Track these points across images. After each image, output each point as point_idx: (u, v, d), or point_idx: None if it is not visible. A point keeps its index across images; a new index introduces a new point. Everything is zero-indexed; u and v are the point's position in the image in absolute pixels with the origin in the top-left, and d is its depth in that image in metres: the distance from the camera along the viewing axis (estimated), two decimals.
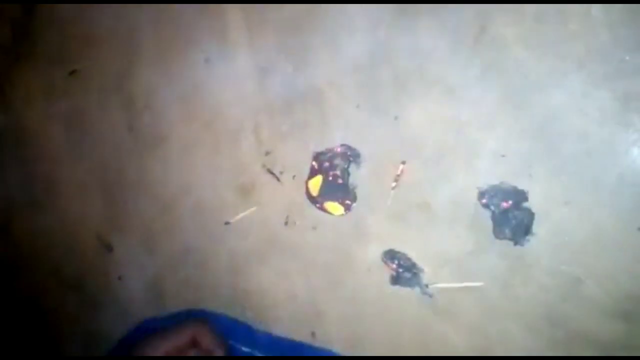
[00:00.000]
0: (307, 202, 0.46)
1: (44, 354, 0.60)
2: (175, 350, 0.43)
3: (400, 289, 0.43)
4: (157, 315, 0.53)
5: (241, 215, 0.46)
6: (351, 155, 0.44)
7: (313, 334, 0.47)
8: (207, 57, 0.50)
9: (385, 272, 0.44)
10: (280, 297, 0.48)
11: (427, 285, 0.42)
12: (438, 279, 0.42)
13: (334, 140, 0.45)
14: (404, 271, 0.43)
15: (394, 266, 0.43)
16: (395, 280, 0.43)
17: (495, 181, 0.40)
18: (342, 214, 0.44)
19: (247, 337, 0.48)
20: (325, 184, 0.45)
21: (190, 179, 0.51)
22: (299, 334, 0.47)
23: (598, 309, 0.38)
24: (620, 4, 0.36)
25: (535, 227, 0.39)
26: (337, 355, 0.45)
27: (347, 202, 0.44)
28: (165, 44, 0.52)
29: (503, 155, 0.40)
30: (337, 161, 0.44)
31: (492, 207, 0.40)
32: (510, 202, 0.40)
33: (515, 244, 0.39)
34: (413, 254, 0.43)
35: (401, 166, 0.43)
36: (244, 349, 0.48)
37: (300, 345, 0.47)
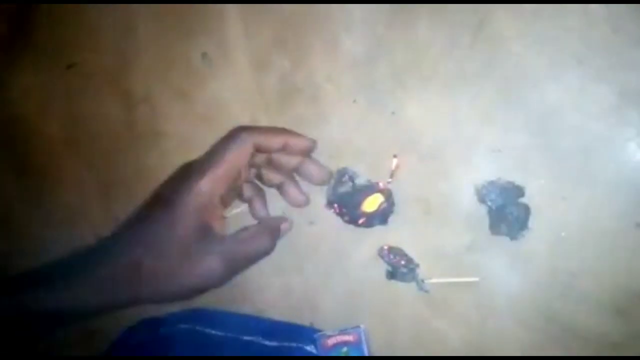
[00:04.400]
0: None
1: (40, 353, 0.59)
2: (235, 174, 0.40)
3: (396, 285, 0.43)
4: (155, 314, 0.52)
5: (237, 209, 0.46)
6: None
7: None
8: (205, 52, 0.50)
9: (381, 268, 0.44)
10: (276, 292, 0.48)
11: (423, 281, 0.42)
12: (434, 275, 0.42)
13: (332, 136, 0.45)
14: (400, 266, 0.42)
15: (396, 261, 0.42)
16: (391, 275, 0.43)
17: (492, 176, 0.40)
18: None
19: (246, 326, 0.48)
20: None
21: None
22: None
23: (594, 305, 0.38)
24: (623, 3, 0.36)
25: (531, 223, 0.39)
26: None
27: None
28: (163, 38, 0.51)
29: (500, 151, 0.40)
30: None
31: (489, 203, 0.40)
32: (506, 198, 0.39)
33: (512, 239, 0.39)
34: (410, 249, 0.43)
35: (394, 160, 0.42)
36: (245, 337, 0.47)
37: (300, 329, 0.47)
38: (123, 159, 0.54)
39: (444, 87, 0.41)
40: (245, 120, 0.48)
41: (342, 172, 0.44)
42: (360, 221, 0.43)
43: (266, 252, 0.42)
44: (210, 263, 0.39)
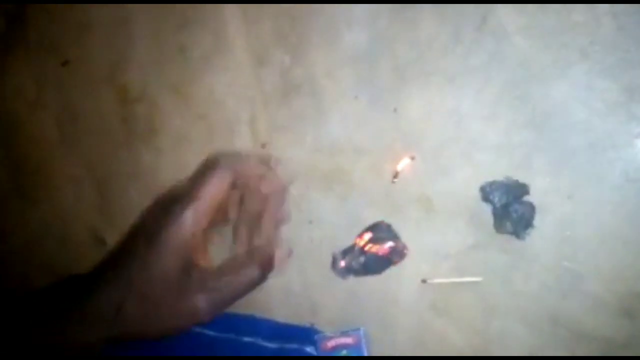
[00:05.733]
0: (303, 195, 0.45)
1: (35, 350, 0.58)
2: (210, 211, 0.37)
3: (397, 285, 0.43)
4: None
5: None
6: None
7: None
8: (203, 47, 0.49)
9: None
10: (275, 292, 0.47)
11: (424, 281, 0.42)
12: (437, 275, 0.42)
13: (332, 133, 0.44)
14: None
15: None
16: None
17: (496, 174, 0.39)
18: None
19: (246, 327, 0.47)
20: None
21: (183, 171, 0.50)
22: None
23: (600, 306, 0.38)
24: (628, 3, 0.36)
25: (536, 221, 0.38)
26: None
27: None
28: (159, 33, 0.51)
29: (504, 148, 0.39)
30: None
31: (494, 201, 0.39)
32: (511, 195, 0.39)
33: (517, 237, 0.39)
34: (412, 248, 0.42)
35: (404, 160, 0.42)
36: (245, 339, 0.47)
37: (300, 330, 0.46)
38: (118, 156, 0.53)
39: (447, 84, 0.41)
40: (244, 117, 0.48)
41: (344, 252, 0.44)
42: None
43: (256, 284, 0.39)
44: (195, 303, 0.36)
